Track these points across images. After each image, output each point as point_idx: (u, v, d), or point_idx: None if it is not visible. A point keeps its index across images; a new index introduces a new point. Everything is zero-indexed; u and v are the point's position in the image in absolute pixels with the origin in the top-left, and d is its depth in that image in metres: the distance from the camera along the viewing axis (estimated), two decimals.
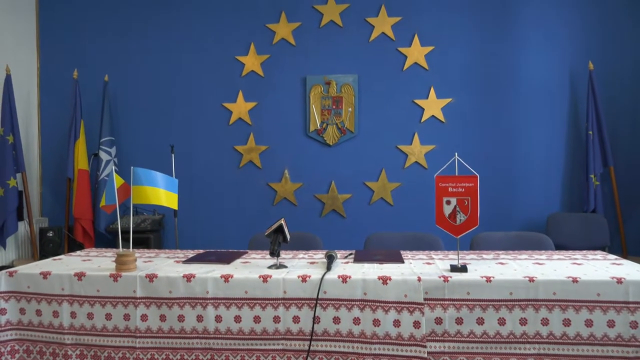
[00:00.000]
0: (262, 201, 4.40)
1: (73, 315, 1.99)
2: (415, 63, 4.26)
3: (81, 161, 4.27)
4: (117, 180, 2.14)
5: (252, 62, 4.40)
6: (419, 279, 1.85)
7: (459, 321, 1.82)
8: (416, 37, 4.25)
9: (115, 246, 3.73)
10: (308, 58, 4.37)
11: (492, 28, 4.21)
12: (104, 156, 4.32)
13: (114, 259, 2.18)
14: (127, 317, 1.95)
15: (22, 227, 4.24)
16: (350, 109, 4.29)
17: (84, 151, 4.30)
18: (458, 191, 1.97)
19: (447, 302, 1.84)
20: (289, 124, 4.39)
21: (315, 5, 4.36)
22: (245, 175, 4.43)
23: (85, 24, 4.59)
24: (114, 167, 4.20)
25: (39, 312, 2.01)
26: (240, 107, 4.41)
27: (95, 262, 2.27)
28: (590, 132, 3.95)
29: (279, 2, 4.39)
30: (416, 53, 4.25)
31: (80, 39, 4.59)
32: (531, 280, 1.82)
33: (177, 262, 2.24)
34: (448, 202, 1.98)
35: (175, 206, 2.22)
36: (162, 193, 2.16)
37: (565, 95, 4.16)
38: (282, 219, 2.12)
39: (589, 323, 1.79)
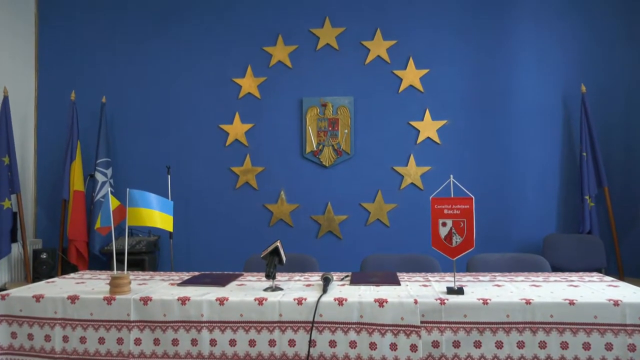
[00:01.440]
0: (258, 222, 4.38)
1: (65, 339, 1.95)
2: (411, 85, 4.30)
3: (77, 182, 4.25)
4: (113, 202, 2.13)
5: (248, 84, 4.44)
6: (416, 302, 1.84)
7: (456, 344, 1.80)
8: (411, 59, 4.30)
9: (110, 268, 3.71)
10: (304, 80, 4.41)
11: (487, 50, 4.27)
12: (99, 177, 4.31)
13: (108, 281, 2.16)
14: (120, 341, 1.92)
15: (16, 248, 4.20)
16: (346, 131, 4.31)
17: (80, 172, 4.30)
18: (454, 213, 1.97)
19: (444, 325, 1.82)
20: (285, 146, 4.40)
21: (311, 28, 4.41)
22: (241, 196, 4.42)
23: (83, 45, 4.63)
24: (109, 189, 4.10)
25: (30, 336, 1.97)
26: (237, 129, 4.43)
27: (89, 285, 2.24)
28: (585, 154, 3.98)
29: (276, 25, 4.45)
30: (411, 76, 4.30)
31: (79, 60, 4.63)
32: (528, 302, 1.81)
33: (172, 284, 2.22)
34: (444, 224, 1.98)
35: (170, 228, 2.22)
36: (157, 215, 2.15)
37: (559, 117, 4.20)
38: (278, 240, 2.11)
39: (586, 346, 1.77)
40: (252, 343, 1.86)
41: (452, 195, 1.98)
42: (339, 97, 4.34)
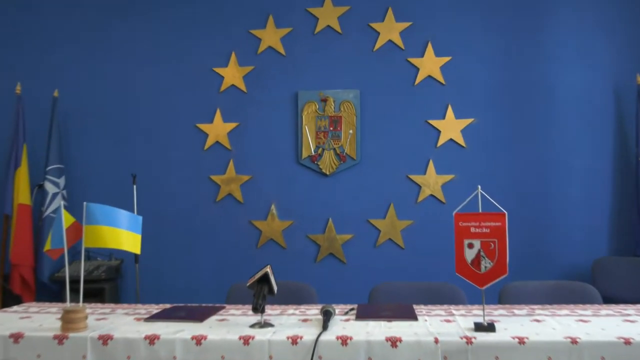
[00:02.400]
0: (243, 243, 4.38)
1: None
2: (429, 76, 4.32)
3: (22, 194, 4.24)
4: (66, 218, 2.12)
5: (232, 74, 4.45)
6: (437, 341, 1.84)
7: None
8: (429, 45, 4.32)
9: (62, 300, 3.67)
10: (300, 70, 4.43)
11: (521, 35, 4.29)
12: (50, 188, 4.30)
13: (59, 315, 2.14)
14: None
15: None
16: (351, 131, 4.32)
17: (25, 182, 4.29)
18: (482, 232, 1.96)
19: None
20: (276, 149, 4.41)
21: (309, 7, 4.44)
22: (223, 211, 4.43)
23: (32, 29, 4.65)
24: (62, 202, 4.03)
25: None
26: (218, 129, 4.44)
27: (36, 320, 2.23)
28: None
29: (266, 4, 4.48)
30: (430, 64, 4.31)
31: (26, 46, 4.64)
32: (574, 341, 1.81)
33: (138, 319, 2.22)
34: (470, 246, 1.98)
35: (137, 250, 2.21)
36: (121, 234, 2.15)
37: (610, 115, 4.22)
38: (268, 265, 2.11)
39: None
40: None
41: (480, 210, 1.96)
42: (342, 90, 4.35)
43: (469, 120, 4.28)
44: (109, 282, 4.14)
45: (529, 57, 4.27)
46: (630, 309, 2.32)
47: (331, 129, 4.36)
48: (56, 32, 4.63)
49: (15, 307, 2.57)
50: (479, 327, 1.95)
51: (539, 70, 4.26)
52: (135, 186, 4.04)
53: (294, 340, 1.87)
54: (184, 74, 4.51)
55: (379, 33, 4.37)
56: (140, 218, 2.24)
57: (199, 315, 2.26)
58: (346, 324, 2.08)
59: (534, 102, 4.25)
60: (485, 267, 1.96)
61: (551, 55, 4.26)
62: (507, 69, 4.28)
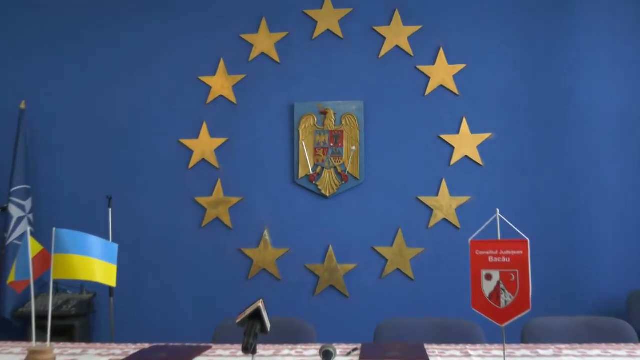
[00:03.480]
0: (232, 274, 4.38)
1: None
2: (441, 86, 4.33)
3: None
4: (33, 246, 2.11)
5: (221, 84, 4.48)
6: None
7: None
8: (441, 51, 4.34)
9: (27, 338, 3.61)
10: (297, 79, 4.45)
11: (544, 40, 4.31)
12: (15, 211, 4.29)
13: (23, 357, 2.13)
14: None
15: None
16: (353, 148, 4.33)
17: None
18: (502, 261, 1.95)
19: None
20: (270, 168, 4.42)
21: (306, 10, 4.48)
22: (210, 237, 4.42)
23: None
24: (28, 228, 3.98)
25: None
26: (204, 145, 4.46)
27: None
28: None
29: (258, 6, 4.52)
30: (442, 73, 4.33)
31: None
32: None
33: None
34: (488, 277, 1.96)
35: (112, 282, 2.19)
36: (95, 264, 2.13)
37: None
38: (260, 299, 2.09)
39: None
40: None
41: (499, 237, 1.95)
42: (344, 101, 4.37)
43: (486, 135, 4.28)
44: (80, 319, 4.12)
45: (554, 64, 4.28)
46: None
47: (331, 145, 4.36)
48: (24, 38, 4.67)
49: None
50: None
51: (566, 78, 4.27)
52: (110, 210, 4.03)
53: None
54: (166, 84, 4.53)
55: (384, 38, 4.39)
56: (116, 246, 2.23)
57: (181, 356, 2.24)
58: None
59: (560, 115, 4.26)
60: (506, 301, 1.93)
61: (579, 62, 4.27)
62: (529, 78, 4.29)
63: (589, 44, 4.28)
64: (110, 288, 3.99)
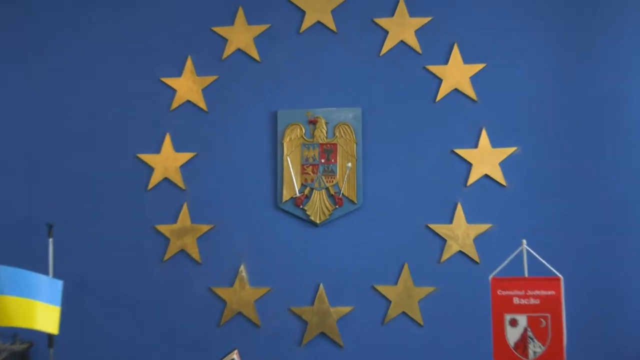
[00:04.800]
0: (201, 319, 4.33)
1: None
2: (456, 90, 4.29)
3: None
4: None
5: (187, 87, 4.44)
6: None
7: None
8: (456, 48, 4.32)
9: None
10: (281, 82, 4.43)
11: (580, 35, 4.29)
12: None
13: None
14: None
15: None
16: (349, 164, 4.28)
17: None
18: (529, 304, 2.06)
19: None
20: (247, 189, 4.38)
21: None
22: (174, 273, 4.37)
23: None
24: None
25: None
26: (167, 161, 4.41)
27: None
28: None
29: None
30: (456, 74, 4.29)
31: None
32: None
33: None
34: (513, 323, 2.07)
35: (54, 329, 2.17)
36: (34, 307, 2.20)
37: None
38: (235, 350, 2.11)
39: None
40: None
41: (525, 274, 2.08)
42: (338, 109, 4.34)
43: (511, 150, 4.23)
44: None
45: (593, 65, 4.25)
46: None
47: (322, 161, 4.32)
48: None
49: None
50: None
51: (607, 82, 4.24)
52: (51, 240, 3.98)
53: None
54: (121, 87, 4.51)
55: (387, 32, 4.37)
56: (59, 284, 2.23)
57: None
58: None
59: (599, 126, 4.22)
60: (535, 352, 2.02)
61: (625, 63, 4.25)
62: (563, 81, 4.26)
63: (637, 41, 4.24)
64: (51, 336, 3.82)
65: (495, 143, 4.25)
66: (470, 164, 4.25)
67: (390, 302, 4.22)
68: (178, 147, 4.43)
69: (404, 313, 4.21)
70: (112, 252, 4.40)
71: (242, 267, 4.32)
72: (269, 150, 4.40)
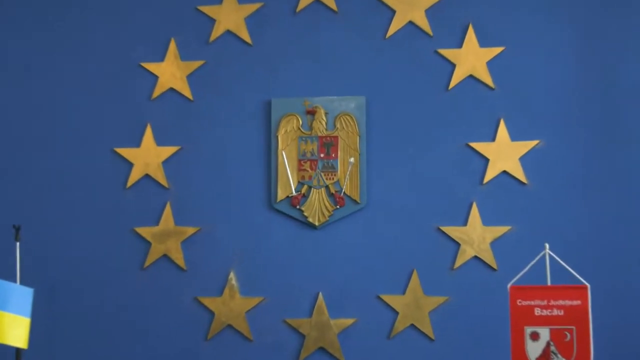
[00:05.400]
0: (186, 332, 4.28)
1: None
2: (471, 77, 4.24)
3: None
4: None
5: (171, 73, 4.41)
6: None
7: None
8: (471, 30, 4.27)
9: None
10: (275, 67, 4.40)
11: (614, 14, 4.24)
12: None
13: None
14: None
15: None
16: (352, 160, 4.22)
17: None
18: (552, 315, 2.06)
19: None
20: (238, 188, 4.34)
21: None
22: (155, 282, 4.33)
23: None
24: None
25: None
26: (148, 156, 4.37)
27: None
28: None
29: None
30: (472, 59, 4.24)
31: None
32: None
33: None
34: (535, 336, 2.07)
35: (23, 343, 2.24)
36: (2, 319, 2.25)
37: None
38: None
39: None
40: None
41: (548, 282, 2.09)
42: (339, 97, 4.29)
43: (532, 143, 4.18)
44: None
45: (623, 50, 4.22)
46: None
47: (322, 155, 4.28)
48: None
49: None
50: None
51: (639, 69, 4.19)
52: (18, 244, 3.94)
53: None
54: (96, 74, 4.48)
55: (394, 11, 4.32)
56: (30, 292, 2.19)
57: None
58: None
59: (630, 118, 4.18)
60: None
61: None
62: (591, 66, 4.22)
63: None
64: (18, 351, 3.66)
65: (515, 136, 4.21)
66: (487, 159, 4.21)
67: (397, 313, 4.17)
68: (160, 141, 4.39)
69: (412, 326, 4.16)
70: (85, 257, 4.35)
71: (231, 275, 4.27)
72: (262, 143, 4.36)
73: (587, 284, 1.99)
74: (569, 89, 4.23)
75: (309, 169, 4.28)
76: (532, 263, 2.07)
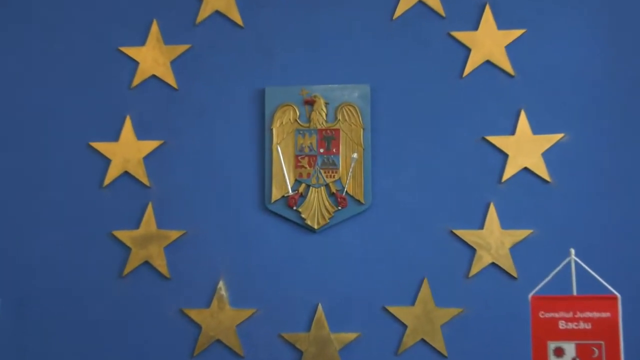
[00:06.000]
0: (170, 347, 4.21)
1: None
2: (488, 62, 4.19)
3: None
4: None
5: (153, 58, 4.34)
6: None
7: None
8: (488, 10, 4.21)
9: None
10: (269, 52, 4.34)
11: None
12: None
13: None
14: None
15: None
16: (355, 155, 4.16)
17: None
18: (579, 328, 2.04)
19: None
20: (228, 187, 4.28)
21: None
22: (136, 291, 4.25)
23: None
24: None
25: None
26: (128, 151, 4.30)
27: None
28: None
29: None
30: (489, 42, 4.18)
31: None
32: None
33: None
34: (559, 352, 2.05)
35: None
36: None
37: None
38: None
39: None
40: None
41: (574, 292, 2.08)
42: (341, 86, 4.23)
43: (557, 137, 4.11)
44: None
45: None
46: None
47: (321, 151, 4.22)
48: None
49: None
50: None
51: None
52: None
53: None
54: (69, 59, 4.41)
55: None
56: None
57: None
58: None
59: None
60: None
61: None
62: (621, 51, 4.16)
63: None
64: None
65: (538, 129, 4.15)
66: (506, 155, 4.15)
67: (406, 327, 4.10)
68: (141, 134, 4.34)
69: (423, 341, 4.11)
70: (57, 265, 4.29)
71: (220, 284, 4.21)
72: (255, 137, 4.32)
73: (617, 294, 1.97)
74: (597, 76, 4.18)
75: (307, 166, 4.24)
76: (556, 270, 2.05)
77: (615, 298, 1.98)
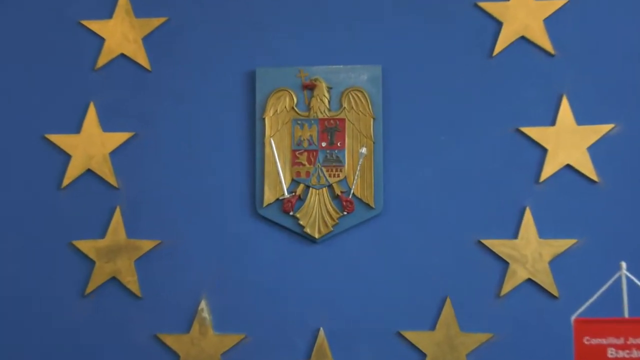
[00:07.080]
0: None
1: None
2: (523, 39, 4.08)
3: None
4: None
5: (121, 34, 4.26)
6: None
7: None
8: None
9: None
10: (261, 27, 4.26)
11: None
12: None
13: None
14: None
15: None
16: (364, 150, 4.06)
17: None
18: (632, 357, 2.04)
19: None
20: (212, 188, 4.19)
21: None
22: (102, 313, 4.16)
23: None
24: None
25: None
26: (92, 145, 4.21)
27: None
28: None
29: None
30: (523, 15, 4.07)
31: None
32: None
33: None
34: None
35: None
36: None
37: None
38: None
39: None
40: None
41: (625, 314, 2.09)
42: (347, 67, 4.14)
43: (606, 128, 3.99)
44: None
45: None
46: None
47: (323, 145, 4.12)
48: None
49: None
50: None
51: None
52: None
53: None
54: (22, 36, 4.35)
55: None
56: None
57: None
58: None
59: None
60: None
61: None
62: None
63: None
64: None
65: (582, 119, 4.04)
66: (544, 150, 4.04)
67: (425, 355, 4.00)
68: (107, 125, 4.24)
69: None
70: (8, 281, 4.22)
71: (202, 304, 4.12)
72: (244, 129, 4.23)
73: None
74: None
75: (306, 163, 4.14)
76: (604, 288, 2.02)
77: None
